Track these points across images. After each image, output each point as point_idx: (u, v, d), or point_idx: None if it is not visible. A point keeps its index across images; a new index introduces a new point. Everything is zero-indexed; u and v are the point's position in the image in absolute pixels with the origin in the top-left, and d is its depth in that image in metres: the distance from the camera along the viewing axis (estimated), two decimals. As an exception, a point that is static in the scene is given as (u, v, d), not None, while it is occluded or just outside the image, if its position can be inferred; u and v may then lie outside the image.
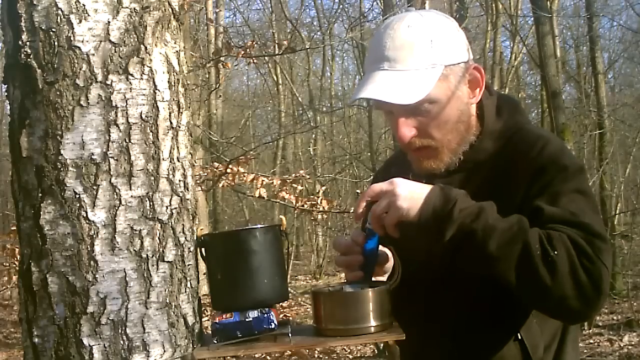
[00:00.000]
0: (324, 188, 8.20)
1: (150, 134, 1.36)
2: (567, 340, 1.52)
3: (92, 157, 1.31)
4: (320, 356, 7.87)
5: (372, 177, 2.05)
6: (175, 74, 1.42)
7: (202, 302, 1.47)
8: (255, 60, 7.73)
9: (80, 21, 1.31)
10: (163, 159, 1.37)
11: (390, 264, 1.56)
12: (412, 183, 1.39)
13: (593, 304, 1.33)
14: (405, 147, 1.52)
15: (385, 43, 1.45)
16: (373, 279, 1.51)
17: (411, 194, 1.37)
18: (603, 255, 1.31)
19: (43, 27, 1.31)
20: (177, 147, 1.41)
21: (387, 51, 1.45)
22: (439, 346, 1.52)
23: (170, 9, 1.42)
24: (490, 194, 1.39)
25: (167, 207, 1.37)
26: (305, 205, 6.71)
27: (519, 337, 1.45)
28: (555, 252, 1.29)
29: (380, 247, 1.51)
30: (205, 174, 6.67)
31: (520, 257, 1.30)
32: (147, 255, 1.33)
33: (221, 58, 6.71)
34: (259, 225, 1.44)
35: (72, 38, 1.30)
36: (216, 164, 6.96)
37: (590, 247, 1.31)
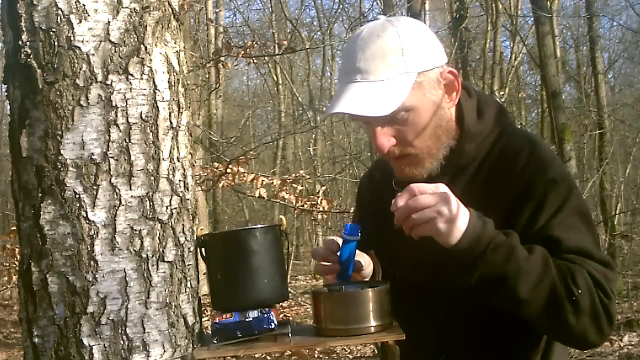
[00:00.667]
0: (324, 188, 8.19)
1: (150, 134, 1.36)
2: (554, 342, 1.52)
3: (92, 157, 1.31)
4: (320, 356, 7.87)
5: (358, 183, 2.03)
6: (175, 74, 1.42)
7: (202, 302, 1.47)
8: (255, 60, 7.74)
9: (80, 21, 1.31)
10: (163, 159, 1.37)
11: (369, 269, 1.55)
12: (458, 205, 1.34)
13: (606, 334, 1.40)
14: (385, 156, 1.52)
15: (356, 54, 1.44)
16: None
17: (453, 218, 1.32)
18: (614, 286, 1.38)
19: (43, 27, 1.31)
20: (177, 147, 1.41)
21: (359, 62, 1.44)
22: (427, 353, 1.53)
23: (170, 9, 1.42)
24: (475, 199, 1.38)
25: (167, 207, 1.37)
26: (305, 205, 6.71)
27: (507, 344, 1.46)
28: (580, 291, 1.33)
29: (358, 253, 1.50)
30: (205, 174, 6.68)
31: (548, 298, 1.33)
32: (147, 255, 1.33)
33: (221, 58, 6.72)
34: (259, 225, 1.44)
35: (72, 38, 1.30)
36: (216, 164, 6.97)
37: (606, 282, 1.36)
